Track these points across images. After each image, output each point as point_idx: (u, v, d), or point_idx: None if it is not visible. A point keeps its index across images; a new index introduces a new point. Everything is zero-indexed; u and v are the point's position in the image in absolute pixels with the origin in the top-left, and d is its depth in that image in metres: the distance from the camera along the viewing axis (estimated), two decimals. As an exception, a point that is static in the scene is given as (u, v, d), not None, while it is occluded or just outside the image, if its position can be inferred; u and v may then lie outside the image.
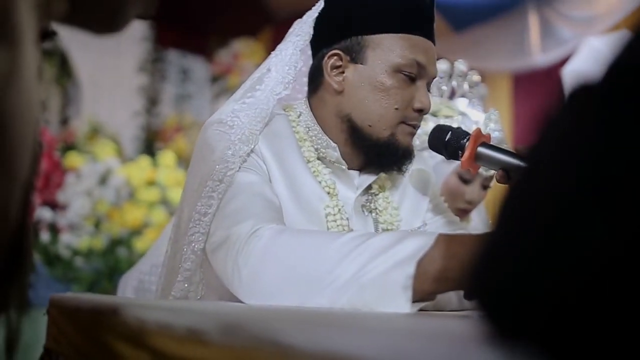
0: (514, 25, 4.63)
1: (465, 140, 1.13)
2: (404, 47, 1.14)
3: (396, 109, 1.15)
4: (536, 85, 4.84)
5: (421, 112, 1.17)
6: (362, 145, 1.18)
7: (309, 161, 1.18)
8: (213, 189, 1.08)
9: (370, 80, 1.15)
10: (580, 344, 0.36)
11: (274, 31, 5.03)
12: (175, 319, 0.56)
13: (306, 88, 1.26)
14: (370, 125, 1.16)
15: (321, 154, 1.19)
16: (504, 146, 1.18)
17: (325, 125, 1.20)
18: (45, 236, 2.98)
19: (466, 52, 3.75)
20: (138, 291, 1.66)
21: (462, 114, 1.64)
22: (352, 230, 1.16)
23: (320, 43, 1.20)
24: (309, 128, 1.20)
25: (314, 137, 1.19)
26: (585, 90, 0.39)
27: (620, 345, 0.35)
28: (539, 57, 4.59)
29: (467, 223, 1.70)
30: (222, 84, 4.78)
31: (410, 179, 1.30)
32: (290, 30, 1.22)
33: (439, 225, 1.28)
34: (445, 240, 0.89)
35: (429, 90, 1.19)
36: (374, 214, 1.22)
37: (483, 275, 0.43)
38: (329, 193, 1.17)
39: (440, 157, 1.54)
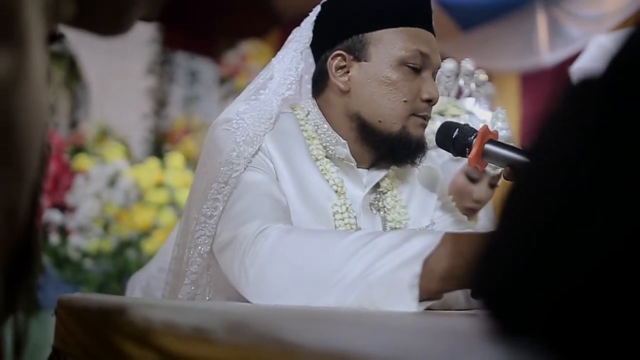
0: (522, 24, 4.62)
1: (472, 137, 1.13)
2: (405, 40, 1.15)
3: (405, 101, 1.15)
4: (544, 84, 4.82)
5: (430, 102, 1.17)
6: (374, 141, 1.17)
7: (317, 159, 1.18)
8: (218, 191, 1.08)
9: (376, 76, 1.15)
10: (582, 340, 0.36)
11: (281, 32, 5.02)
12: (181, 318, 0.56)
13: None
14: (380, 121, 1.16)
15: (330, 151, 1.19)
16: (511, 144, 1.18)
17: (333, 124, 1.20)
18: (54, 238, 3.00)
19: (474, 52, 3.74)
20: (146, 293, 1.66)
21: (469, 113, 1.64)
22: (359, 228, 1.15)
23: (321, 46, 1.21)
24: (317, 126, 1.20)
25: (322, 135, 1.19)
26: (584, 86, 0.39)
27: (621, 341, 0.35)
28: (547, 56, 4.57)
29: (475, 222, 1.70)
30: (230, 86, 4.78)
31: (419, 177, 1.30)
32: (290, 37, 1.23)
33: (447, 224, 1.28)
34: (452, 239, 0.89)
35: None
36: (382, 213, 1.22)
37: (486, 273, 0.43)
38: (336, 191, 1.17)
39: (448, 156, 1.55)
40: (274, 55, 1.24)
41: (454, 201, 1.40)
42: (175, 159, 3.31)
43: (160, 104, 5.04)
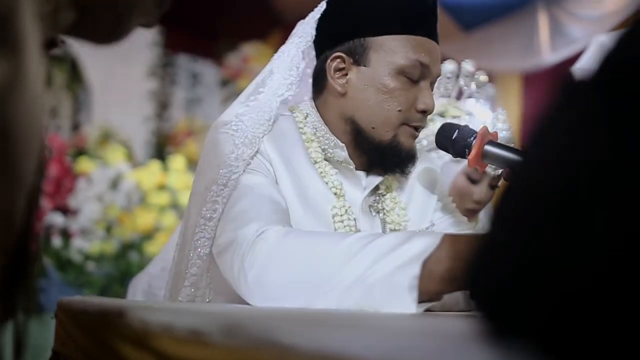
0: (524, 25, 4.61)
1: (472, 139, 1.13)
2: (407, 49, 1.14)
3: (399, 110, 1.15)
4: (546, 85, 4.81)
5: (424, 113, 1.17)
6: (366, 147, 1.17)
7: (315, 162, 1.18)
8: (217, 193, 1.08)
9: (374, 82, 1.15)
10: (578, 342, 0.36)
11: (282, 34, 5.01)
12: (178, 320, 0.56)
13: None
14: (373, 128, 1.16)
15: (329, 154, 1.19)
16: (511, 145, 1.18)
17: (330, 127, 1.20)
18: (57, 241, 3.01)
19: (475, 52, 3.74)
20: (148, 294, 1.66)
21: (470, 114, 1.64)
22: (359, 231, 1.15)
23: (323, 45, 1.20)
24: (316, 129, 1.20)
25: (321, 138, 1.19)
26: (580, 85, 0.39)
27: (619, 342, 0.35)
28: (549, 56, 4.56)
29: (476, 223, 1.69)
30: (232, 88, 4.79)
31: (418, 179, 1.30)
32: (294, 31, 1.22)
33: (446, 225, 1.28)
34: (451, 240, 0.89)
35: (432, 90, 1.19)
36: (381, 215, 1.22)
37: (481, 274, 0.43)
38: (336, 194, 1.17)
39: (448, 157, 1.55)
40: (275, 58, 1.24)
41: (455, 202, 1.40)
42: (177, 162, 3.32)
43: (162, 106, 5.05)
